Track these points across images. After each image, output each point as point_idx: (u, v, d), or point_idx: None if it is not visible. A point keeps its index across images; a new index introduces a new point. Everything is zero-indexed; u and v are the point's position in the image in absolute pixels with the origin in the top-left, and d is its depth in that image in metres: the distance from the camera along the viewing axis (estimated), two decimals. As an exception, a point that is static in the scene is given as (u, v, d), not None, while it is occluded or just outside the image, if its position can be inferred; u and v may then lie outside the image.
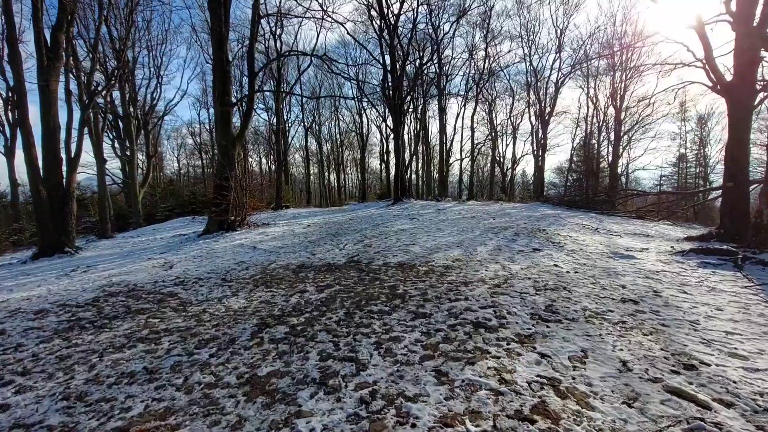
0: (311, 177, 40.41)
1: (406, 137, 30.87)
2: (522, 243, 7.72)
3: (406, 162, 25.85)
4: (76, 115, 13.52)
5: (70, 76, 15.22)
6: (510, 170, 34.12)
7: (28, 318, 4.90)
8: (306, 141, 37.19)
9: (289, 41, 29.27)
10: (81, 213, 26.18)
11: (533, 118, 29.04)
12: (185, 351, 3.62)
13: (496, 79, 30.38)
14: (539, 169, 28.07)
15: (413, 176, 33.42)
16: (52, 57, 10.86)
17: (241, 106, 17.31)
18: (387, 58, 19.76)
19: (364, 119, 35.97)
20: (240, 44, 23.69)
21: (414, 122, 30.96)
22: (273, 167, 37.07)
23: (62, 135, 11.61)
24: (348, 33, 18.69)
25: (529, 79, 28.33)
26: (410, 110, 28.31)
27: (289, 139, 34.97)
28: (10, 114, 20.95)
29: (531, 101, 28.68)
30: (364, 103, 33.27)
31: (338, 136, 40.99)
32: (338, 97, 29.85)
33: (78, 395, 2.93)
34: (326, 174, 43.96)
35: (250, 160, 43.94)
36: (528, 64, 27.86)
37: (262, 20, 15.60)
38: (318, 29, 34.54)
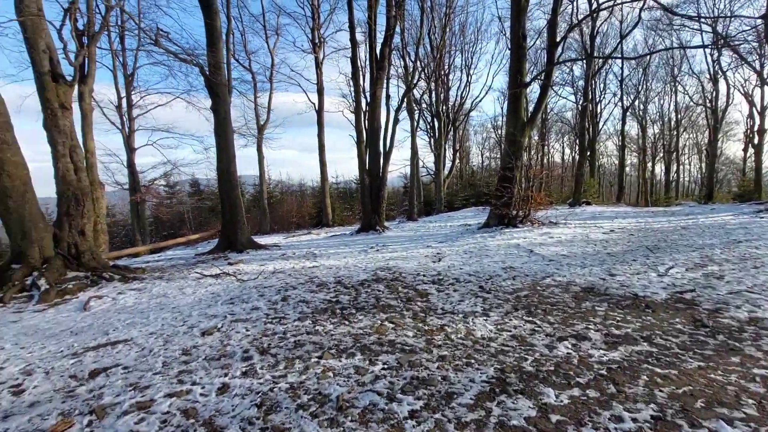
0: (626, 168, 32.94)
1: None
2: None
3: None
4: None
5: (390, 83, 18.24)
6: None
7: (311, 290, 5.52)
8: (623, 124, 30.45)
9: None
10: (403, 198, 32.38)
11: None
12: (387, 390, 2.65)
13: None
14: None
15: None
16: (379, 68, 13.06)
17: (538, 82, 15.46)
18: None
19: (721, 86, 25.23)
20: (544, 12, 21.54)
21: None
22: (576, 157, 32.71)
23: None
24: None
25: None
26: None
27: (600, 123, 29.56)
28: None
29: None
30: (724, 62, 23.21)
31: (673, 115, 31.19)
32: (682, 47, 21.90)
33: (268, 408, 2.50)
34: (648, 164, 34.72)
35: (550, 150, 41.06)
36: None
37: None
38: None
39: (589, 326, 3.78)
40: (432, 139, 29.20)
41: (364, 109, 16.38)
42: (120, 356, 3.49)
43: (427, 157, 32.14)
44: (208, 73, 9.71)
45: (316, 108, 22.06)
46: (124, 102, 20.37)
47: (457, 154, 34.61)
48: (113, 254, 14.71)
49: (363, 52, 17.55)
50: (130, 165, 20.58)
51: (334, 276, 6.41)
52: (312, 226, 22.83)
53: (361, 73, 14.12)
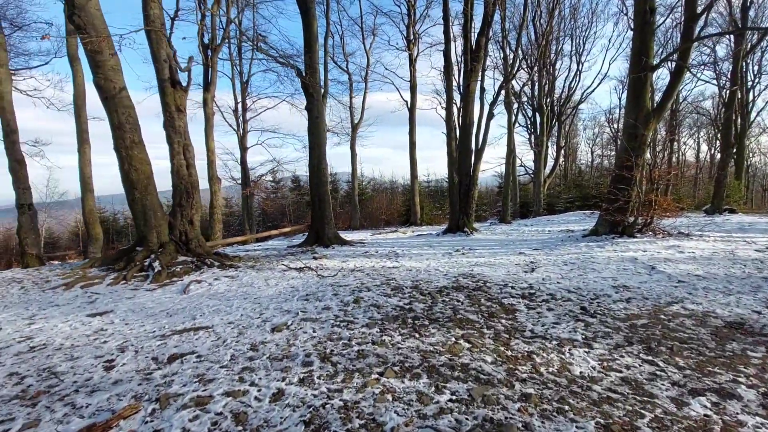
0: (789, 169, 26.30)
1: None
2: None
3: None
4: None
5: (485, 75, 17.10)
6: None
7: (385, 293, 5.24)
8: (787, 113, 24.15)
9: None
10: (497, 199, 30.61)
11: None
12: (452, 431, 2.20)
13: None
14: None
15: None
16: (474, 60, 12.27)
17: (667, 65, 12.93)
18: None
19: None
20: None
21: None
22: (718, 155, 27.20)
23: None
24: None
25: None
26: None
27: (752, 113, 23.94)
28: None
29: None
30: None
31: None
32: None
33: (316, 428, 2.25)
34: (825, 164, 27.22)
35: (681, 146, 34.92)
36: None
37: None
38: None
39: (738, 378, 2.81)
40: (532, 135, 26.97)
41: (456, 104, 15.70)
42: (197, 343, 3.62)
43: (525, 155, 29.89)
44: (304, 75, 10.13)
45: (408, 105, 21.95)
46: (239, 106, 22.87)
47: (561, 151, 31.45)
48: (226, 240, 16.51)
49: (458, 46, 16.86)
50: (243, 162, 23.03)
51: (413, 279, 6.05)
52: (400, 223, 22.86)
53: (455, 67, 13.50)
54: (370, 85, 23.13)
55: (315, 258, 8.54)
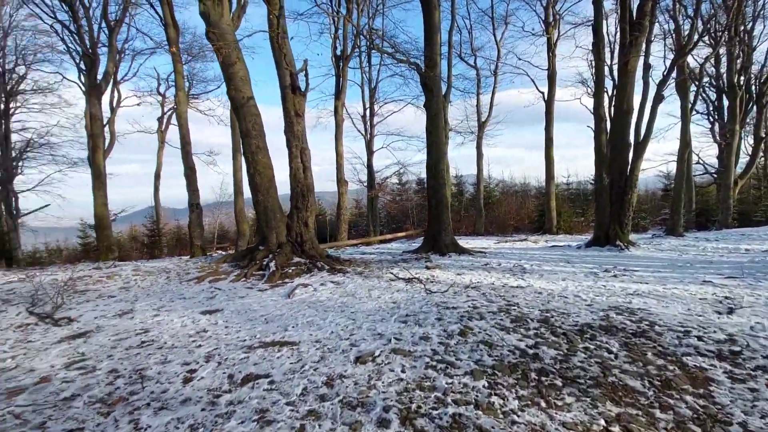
0: None
1: None
2: None
3: None
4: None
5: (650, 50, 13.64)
6: None
7: (502, 325, 4.13)
8: None
9: None
10: (661, 205, 24.92)
11: None
12: None
13: None
14: None
15: None
16: (634, 30, 9.76)
17: None
18: None
19: None
20: None
21: None
22: None
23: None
24: None
25: None
26: None
27: None
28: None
29: None
30: None
31: None
32: None
33: None
34: None
35: None
36: None
37: None
38: None
39: None
40: (716, 124, 21.07)
41: (606, 91, 12.98)
42: (276, 364, 3.24)
43: (704, 150, 23.55)
44: (423, 69, 9.52)
45: (545, 97, 19.42)
46: (367, 112, 23.80)
47: (761, 144, 23.65)
48: (349, 242, 17.19)
49: (609, 24, 13.93)
50: (369, 165, 23.89)
51: (542, 308, 4.75)
52: (531, 231, 20.42)
53: (605, 46, 11.03)
54: (501, 79, 21.34)
55: (428, 267, 7.79)
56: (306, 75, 7.74)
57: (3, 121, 21.91)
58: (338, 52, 18.87)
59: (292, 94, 7.32)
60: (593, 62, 11.94)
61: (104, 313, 4.90)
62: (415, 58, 10.03)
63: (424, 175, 28.74)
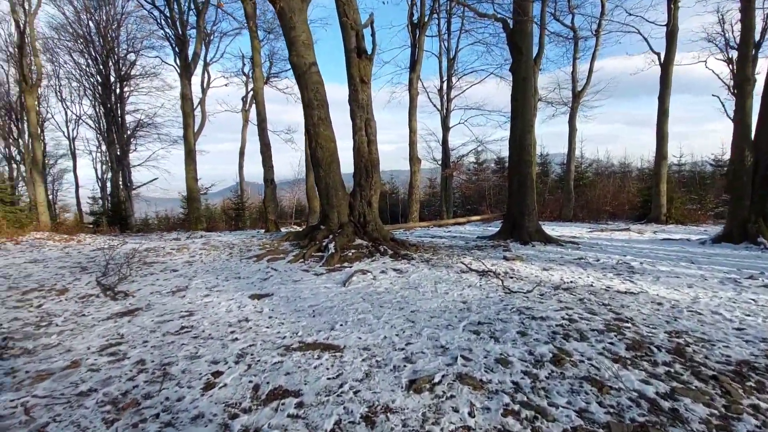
0: None
1: None
2: None
3: None
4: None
5: None
6: None
7: (612, 348, 3.02)
8: None
9: None
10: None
11: None
12: None
13: None
14: None
15: None
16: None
17: None
18: None
19: None
20: None
21: None
22: None
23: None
24: None
25: None
26: None
27: None
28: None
29: None
30: None
31: None
32: None
33: None
34: None
35: None
36: None
37: None
38: None
39: None
40: None
41: (753, 42, 10.08)
42: (310, 377, 2.62)
43: None
44: (512, 25, 8.08)
45: (661, 60, 16.15)
46: (444, 85, 22.29)
47: None
48: (420, 224, 16.39)
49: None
50: (444, 142, 22.57)
51: (668, 328, 3.50)
52: (633, 219, 17.61)
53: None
54: (604, 39, 18.25)
55: (506, 259, 6.70)
56: (372, 34, 6.92)
57: (118, 105, 24.74)
58: (414, 20, 17.62)
59: (357, 58, 6.58)
60: (741, 4, 9.22)
61: (160, 288, 4.81)
62: (501, 14, 8.58)
63: (504, 154, 26.47)
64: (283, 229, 15.41)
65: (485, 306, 4.08)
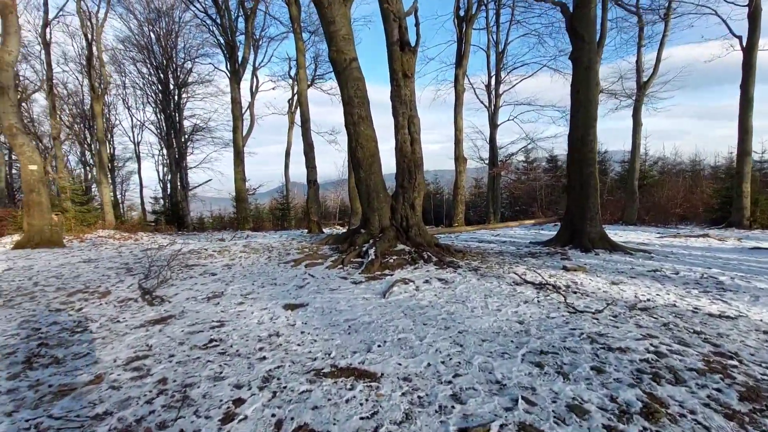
0: None
1: None
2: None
3: None
4: None
5: None
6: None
7: (720, 399, 2.36)
8: None
9: None
10: None
11: None
12: None
13: None
14: None
15: None
16: None
17: None
18: None
19: None
20: None
21: None
22: None
23: None
24: None
25: None
26: None
27: None
28: None
29: None
30: None
31: None
32: None
33: None
34: None
35: None
36: None
37: None
38: None
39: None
40: None
41: None
42: (341, 415, 2.24)
43: None
44: (572, 9, 7.27)
45: (743, 44, 14.18)
46: (492, 80, 21.27)
47: None
48: (467, 228, 15.66)
49: None
50: (492, 140, 21.55)
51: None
52: (709, 223, 15.70)
53: None
54: (674, 24, 16.43)
55: (566, 269, 5.97)
56: (417, 25, 6.46)
57: (176, 110, 26.21)
58: (461, 13, 16.89)
59: (400, 51, 6.16)
60: None
61: (197, 294, 4.69)
62: (559, -3, 7.76)
63: (556, 152, 24.84)
64: (326, 230, 15.38)
65: (547, 329, 3.50)
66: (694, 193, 19.12)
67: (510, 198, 28.30)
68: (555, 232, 10.55)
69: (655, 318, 3.82)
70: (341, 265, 5.84)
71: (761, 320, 3.82)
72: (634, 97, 17.21)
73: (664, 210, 17.84)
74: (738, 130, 14.43)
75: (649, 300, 4.47)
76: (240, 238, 9.17)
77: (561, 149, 23.97)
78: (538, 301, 4.35)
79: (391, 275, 5.41)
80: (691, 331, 3.50)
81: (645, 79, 16.80)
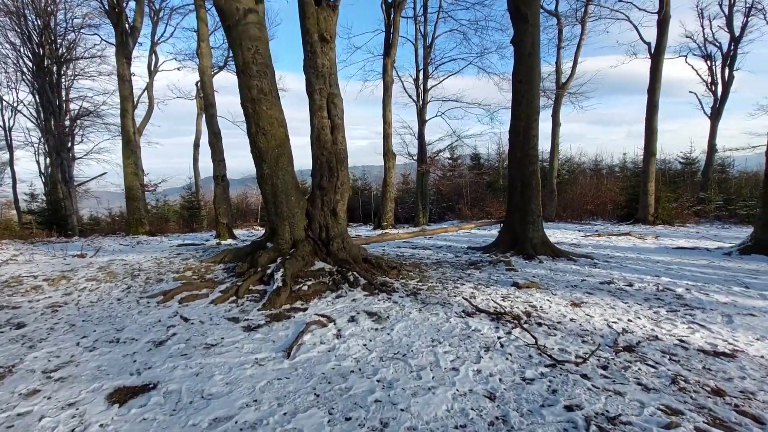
0: None
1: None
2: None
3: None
4: None
5: None
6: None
7: None
8: None
9: None
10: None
11: None
12: None
13: None
14: None
15: None
16: None
17: None
18: None
19: None
20: None
21: None
22: None
23: None
24: None
25: None
26: None
27: None
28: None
29: None
30: None
31: None
32: None
33: None
34: None
35: None
36: None
37: None
38: None
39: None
40: None
41: None
42: None
43: None
44: (514, -14, 6.37)
45: (651, 49, 15.13)
46: (421, 74, 20.55)
47: None
48: (400, 234, 14.58)
49: None
50: (420, 136, 20.85)
51: None
52: (617, 219, 16.65)
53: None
54: (590, 29, 17.08)
55: (517, 285, 5.01)
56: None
57: (55, 90, 21.30)
58: (389, -2, 15.72)
59: (315, 5, 4.66)
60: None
61: (-42, 374, 2.74)
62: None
63: (479, 149, 25.12)
64: (242, 232, 13.25)
65: (530, 409, 2.32)
66: (601, 190, 20.44)
67: (437, 195, 28.18)
68: (489, 232, 9.86)
69: (652, 367, 2.89)
70: (234, 297, 4.20)
71: (761, 356, 3.12)
72: (551, 99, 17.65)
73: (577, 207, 18.70)
74: (645, 132, 15.38)
75: (626, 331, 3.61)
76: (109, 253, 6.88)
77: (484, 148, 24.30)
78: (502, 346, 3.22)
79: (304, 311, 3.93)
80: (703, 385, 2.61)
81: (564, 80, 17.29)
